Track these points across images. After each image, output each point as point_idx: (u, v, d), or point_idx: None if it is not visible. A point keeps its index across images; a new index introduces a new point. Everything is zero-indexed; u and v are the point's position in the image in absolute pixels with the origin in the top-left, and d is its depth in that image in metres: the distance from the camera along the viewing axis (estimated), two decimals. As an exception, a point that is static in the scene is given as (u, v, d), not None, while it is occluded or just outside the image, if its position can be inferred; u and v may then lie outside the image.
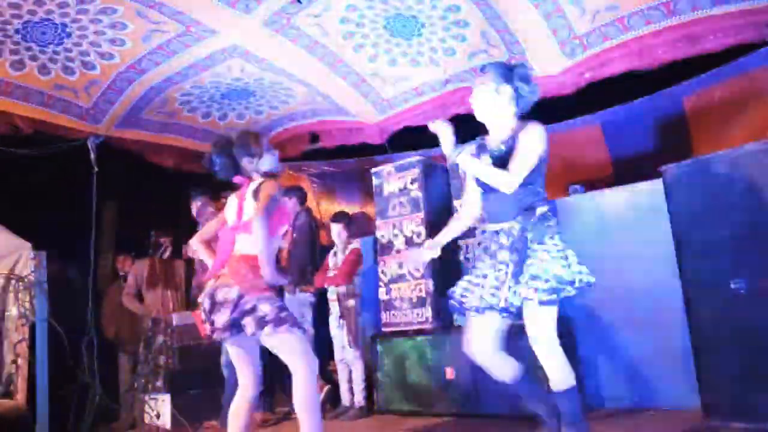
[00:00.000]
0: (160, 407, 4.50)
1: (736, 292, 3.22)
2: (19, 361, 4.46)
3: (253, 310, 2.66)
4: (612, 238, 4.11)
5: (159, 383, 4.63)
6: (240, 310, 2.67)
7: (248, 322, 2.64)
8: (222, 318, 2.68)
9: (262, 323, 2.63)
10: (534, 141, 2.55)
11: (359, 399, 4.71)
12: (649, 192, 3.92)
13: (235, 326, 2.68)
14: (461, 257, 4.47)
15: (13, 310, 4.55)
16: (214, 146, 3.01)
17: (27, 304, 4.48)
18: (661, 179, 3.59)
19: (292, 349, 2.70)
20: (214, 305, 2.72)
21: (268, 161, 2.99)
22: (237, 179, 2.96)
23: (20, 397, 4.42)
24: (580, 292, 2.46)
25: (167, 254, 5.48)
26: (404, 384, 4.55)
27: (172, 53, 4.69)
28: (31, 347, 4.43)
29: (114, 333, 5.49)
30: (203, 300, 2.80)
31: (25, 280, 4.52)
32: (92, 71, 4.76)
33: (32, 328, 4.45)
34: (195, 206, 4.81)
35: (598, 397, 4.10)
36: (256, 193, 2.83)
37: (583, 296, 4.19)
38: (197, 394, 4.55)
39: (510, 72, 2.63)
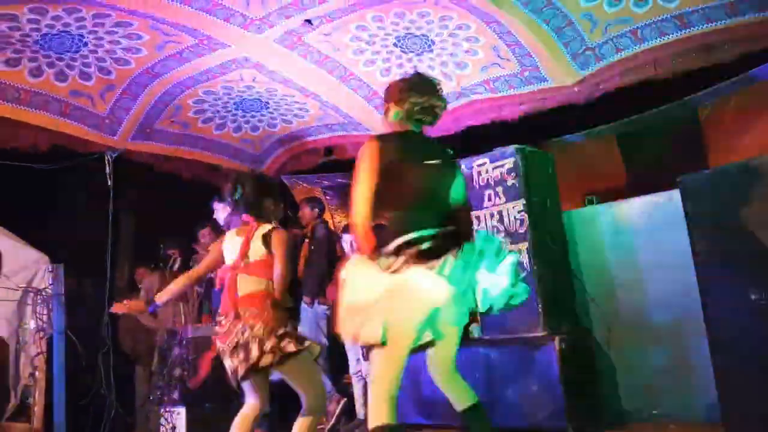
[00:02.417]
0: (176, 420, 4.50)
1: (756, 303, 3.19)
2: (37, 374, 4.49)
3: (277, 346, 2.79)
4: (629, 249, 4.10)
5: (174, 396, 4.63)
6: (264, 347, 2.79)
7: (270, 358, 2.78)
8: (247, 356, 2.79)
9: (284, 358, 2.80)
10: None
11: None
12: (666, 202, 3.91)
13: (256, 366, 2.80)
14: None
15: (30, 323, 4.59)
16: (240, 179, 3.11)
17: (44, 317, 4.51)
18: (678, 189, 3.57)
19: (303, 375, 2.90)
20: (237, 347, 2.83)
21: (281, 211, 3.19)
22: (246, 217, 3.06)
23: (38, 409, 4.44)
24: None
25: (177, 266, 5.49)
26: (418, 397, 4.52)
27: (185, 60, 4.76)
28: (49, 360, 4.46)
29: (131, 346, 5.52)
30: (221, 345, 2.91)
31: (43, 293, 4.56)
32: (108, 76, 4.83)
33: (50, 341, 4.48)
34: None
35: (617, 411, 4.06)
36: (266, 238, 2.96)
37: (601, 308, 4.21)
38: (213, 407, 4.55)
39: None
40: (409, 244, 2.30)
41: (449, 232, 2.36)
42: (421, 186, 2.43)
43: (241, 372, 2.81)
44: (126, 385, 5.17)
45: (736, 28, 4.03)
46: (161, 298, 3.12)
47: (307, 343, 2.90)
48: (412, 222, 2.35)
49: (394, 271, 2.26)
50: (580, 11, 4.23)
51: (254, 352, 2.78)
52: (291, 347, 2.80)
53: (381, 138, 2.49)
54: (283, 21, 4.30)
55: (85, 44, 4.43)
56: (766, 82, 4.53)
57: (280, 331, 2.82)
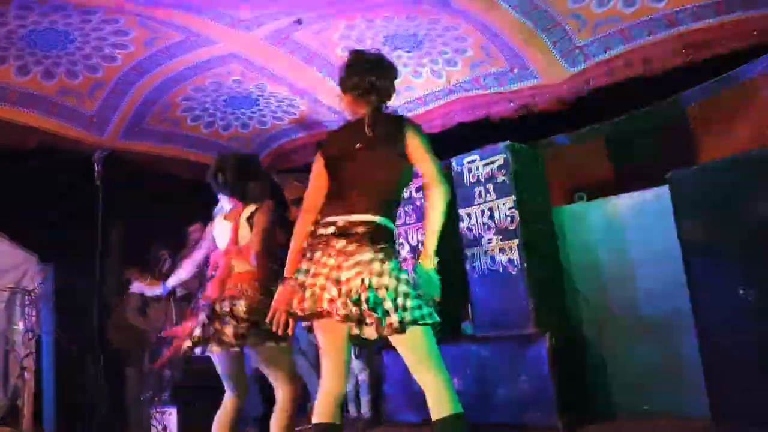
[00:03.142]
0: (167, 420, 4.48)
1: (744, 299, 3.21)
2: (26, 374, 4.46)
3: (257, 324, 2.73)
4: (619, 245, 4.12)
5: (165, 396, 4.61)
6: (249, 322, 2.75)
7: (254, 334, 2.74)
8: (228, 329, 2.75)
9: (265, 337, 2.73)
10: None
11: (366, 410, 4.69)
12: (655, 198, 3.93)
13: (238, 339, 2.76)
14: (467, 266, 4.45)
15: (19, 324, 4.56)
16: (222, 163, 3.07)
17: (33, 318, 4.48)
18: (666, 185, 3.60)
19: (275, 367, 2.86)
20: (216, 317, 2.79)
21: (267, 187, 3.15)
22: (233, 201, 3.06)
23: (27, 411, 4.41)
24: None
25: (167, 267, 5.46)
26: (411, 394, 4.53)
27: (173, 56, 4.74)
28: (38, 361, 4.43)
29: (121, 346, 5.48)
30: (201, 313, 2.86)
31: (32, 293, 4.52)
32: (95, 74, 4.79)
33: (39, 342, 4.45)
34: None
35: (608, 406, 4.08)
36: (250, 220, 2.95)
37: (591, 304, 4.23)
38: (204, 407, 4.52)
39: None
40: (313, 234, 2.27)
41: (358, 222, 2.20)
42: (343, 174, 2.33)
43: (212, 345, 2.75)
44: (117, 385, 5.13)
45: (723, 26, 4.06)
46: (171, 282, 3.21)
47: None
48: (327, 212, 2.30)
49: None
50: (568, 12, 4.26)
51: (229, 329, 2.74)
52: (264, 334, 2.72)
53: (329, 134, 2.50)
54: (272, 22, 4.30)
55: (72, 41, 4.39)
56: (753, 79, 4.56)
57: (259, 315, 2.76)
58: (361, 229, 2.19)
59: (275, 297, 2.26)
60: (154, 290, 3.23)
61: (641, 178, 4.54)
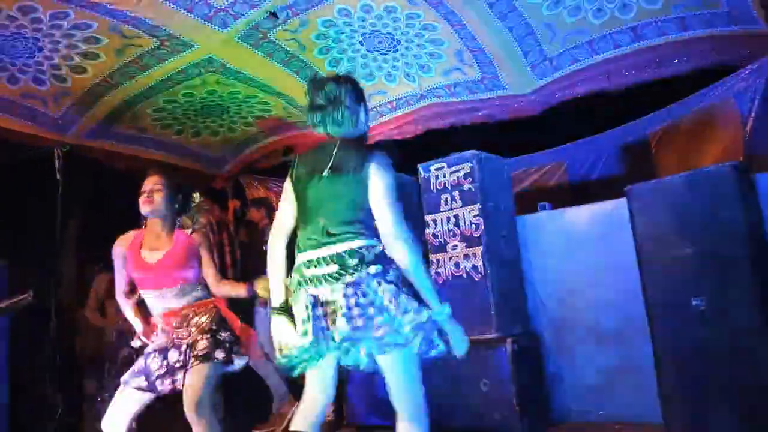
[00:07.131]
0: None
1: (696, 310, 3.33)
2: (-22, 374, 4.33)
3: None
4: (578, 254, 4.21)
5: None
6: None
7: None
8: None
9: None
10: None
11: (329, 412, 4.68)
12: (614, 210, 4.03)
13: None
14: (432, 272, 4.49)
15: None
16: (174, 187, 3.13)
17: (-14, 318, 4.35)
18: (625, 198, 3.71)
19: None
20: None
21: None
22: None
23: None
24: None
25: None
26: (374, 398, 4.54)
27: (145, 67, 4.65)
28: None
29: (78, 345, 5.37)
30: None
31: (-17, 293, 4.38)
32: (63, 84, 4.69)
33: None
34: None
35: (565, 411, 4.17)
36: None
37: (551, 311, 4.32)
38: (162, 408, 4.46)
39: None
40: (294, 268, 2.29)
41: (330, 257, 2.18)
42: (309, 201, 2.31)
43: None
44: (73, 385, 5.02)
45: (687, 42, 4.22)
46: None
47: None
48: (300, 242, 2.30)
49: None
50: (542, 20, 4.34)
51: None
52: None
53: (299, 156, 2.47)
54: (249, 11, 4.20)
55: (40, 49, 4.27)
56: (712, 106, 4.72)
57: None
58: (333, 269, 2.15)
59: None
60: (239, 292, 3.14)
61: (601, 192, 4.68)
